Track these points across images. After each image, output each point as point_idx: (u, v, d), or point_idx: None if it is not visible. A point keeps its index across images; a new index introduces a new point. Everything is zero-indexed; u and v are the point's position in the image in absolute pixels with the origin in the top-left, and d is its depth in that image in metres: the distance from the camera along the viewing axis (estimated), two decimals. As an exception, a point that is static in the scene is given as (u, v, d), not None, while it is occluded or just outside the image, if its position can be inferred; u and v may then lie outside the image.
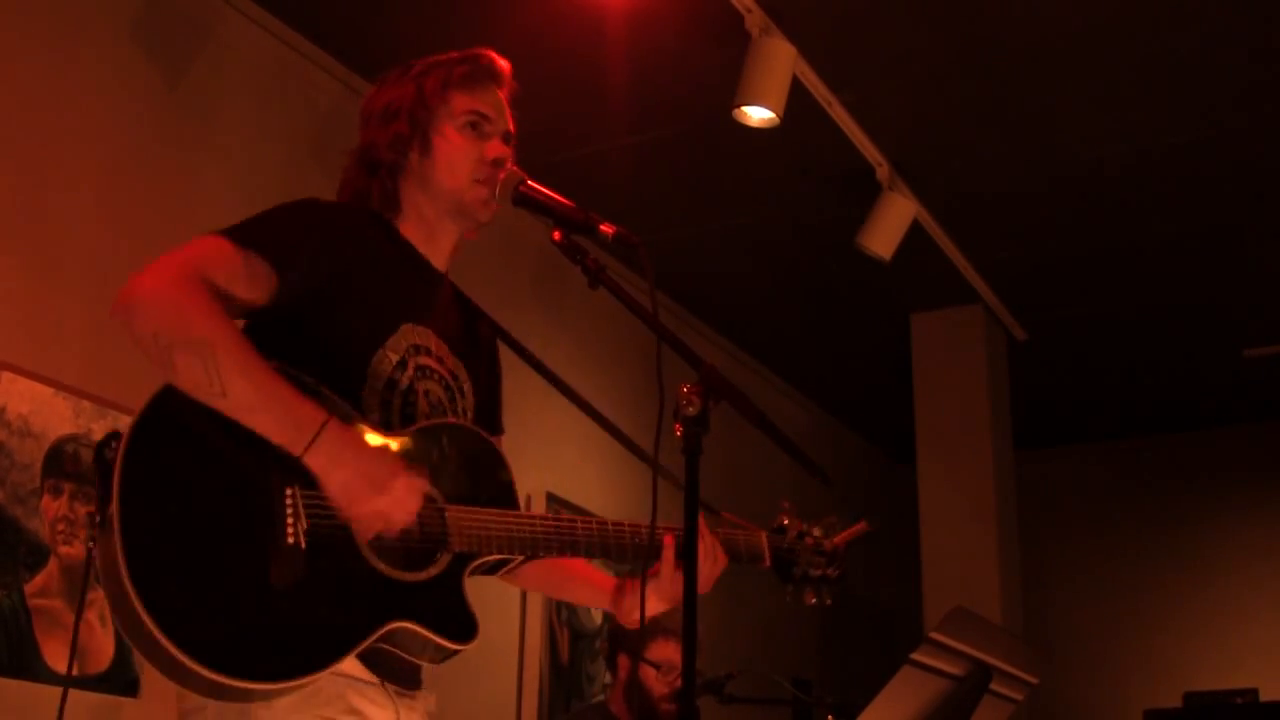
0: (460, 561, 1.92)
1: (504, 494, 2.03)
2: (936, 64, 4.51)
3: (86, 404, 3.45)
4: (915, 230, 5.29)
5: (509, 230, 4.97)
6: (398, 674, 1.93)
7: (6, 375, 3.28)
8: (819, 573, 2.31)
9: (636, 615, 2.14)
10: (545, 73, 4.49)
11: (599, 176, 5.12)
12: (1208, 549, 7.92)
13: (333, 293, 1.92)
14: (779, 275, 6.20)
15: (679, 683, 3.78)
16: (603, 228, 1.99)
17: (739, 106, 4.21)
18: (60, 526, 3.34)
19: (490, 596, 2.29)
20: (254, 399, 1.73)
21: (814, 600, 2.32)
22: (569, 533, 2.04)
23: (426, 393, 2.02)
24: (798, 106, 4.32)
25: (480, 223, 2.12)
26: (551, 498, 5.23)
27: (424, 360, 2.03)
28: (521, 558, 2.01)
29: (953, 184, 5.31)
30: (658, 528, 2.09)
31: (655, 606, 2.13)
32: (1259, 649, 7.58)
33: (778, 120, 4.23)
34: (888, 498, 8.33)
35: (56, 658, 3.27)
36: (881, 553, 8.29)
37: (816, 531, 2.35)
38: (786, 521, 2.33)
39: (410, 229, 2.10)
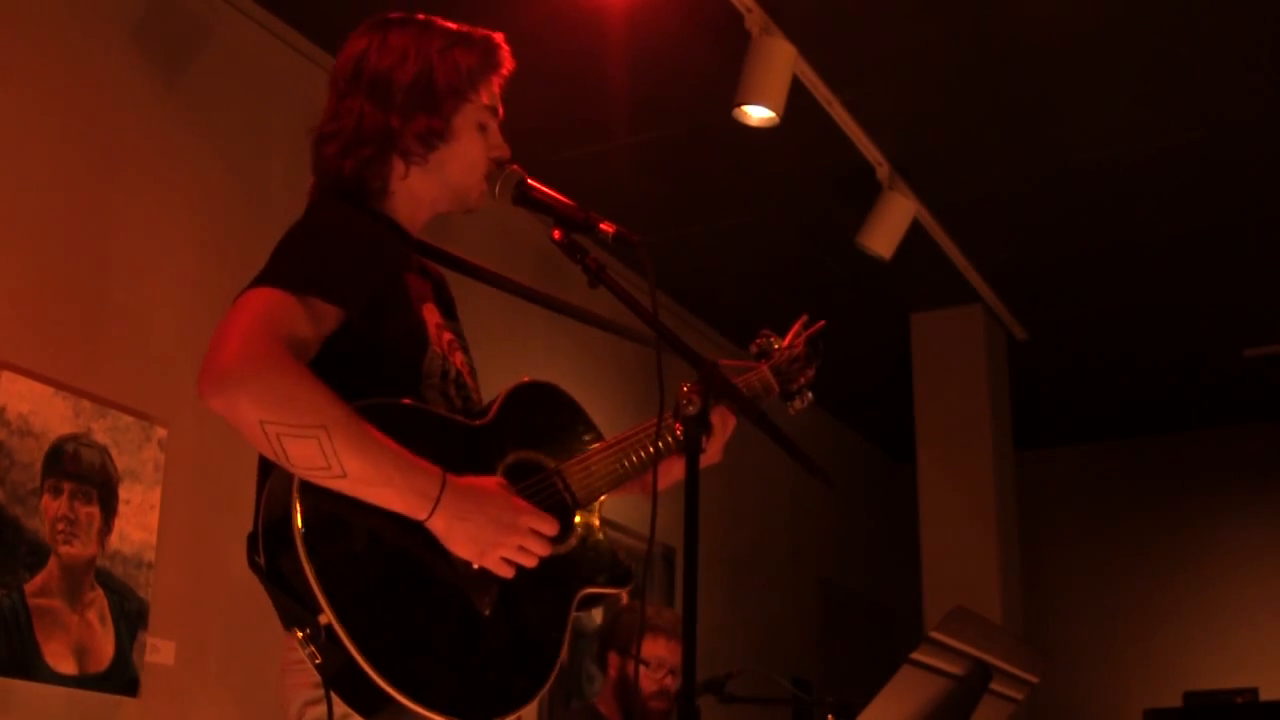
0: (590, 511, 2.00)
1: (589, 429, 2.08)
2: (936, 64, 4.51)
3: (86, 404, 3.45)
4: (915, 230, 5.29)
5: (509, 230, 4.97)
6: None
7: (6, 375, 3.28)
8: (803, 380, 2.34)
9: (660, 486, 2.14)
10: (545, 73, 4.49)
11: (599, 176, 5.12)
12: (1208, 549, 7.92)
13: (380, 309, 1.88)
14: (779, 275, 6.21)
15: (668, 680, 3.80)
16: (602, 226, 1.98)
17: (739, 106, 4.21)
18: (60, 526, 3.34)
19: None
20: (374, 474, 1.70)
21: (801, 405, 2.38)
22: (654, 439, 2.07)
23: (463, 364, 2.03)
24: (798, 106, 4.32)
25: (470, 210, 2.09)
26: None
27: (446, 335, 2.02)
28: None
29: (953, 184, 5.31)
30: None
31: (679, 473, 2.12)
32: (1259, 649, 7.58)
33: (778, 120, 4.23)
34: (888, 497, 8.33)
35: (56, 658, 3.27)
36: (881, 553, 8.30)
37: (786, 342, 2.35)
38: (770, 344, 2.33)
39: (394, 204, 2.01)
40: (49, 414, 3.36)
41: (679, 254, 5.79)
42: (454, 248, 2.20)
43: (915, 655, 2.19)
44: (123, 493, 3.50)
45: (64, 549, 3.34)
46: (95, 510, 3.43)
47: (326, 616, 1.65)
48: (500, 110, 2.09)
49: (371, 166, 1.97)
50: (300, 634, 1.67)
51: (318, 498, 1.70)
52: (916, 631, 5.48)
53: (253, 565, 1.76)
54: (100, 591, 3.41)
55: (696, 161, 5.13)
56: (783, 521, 7.33)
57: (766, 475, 6.85)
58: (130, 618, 3.47)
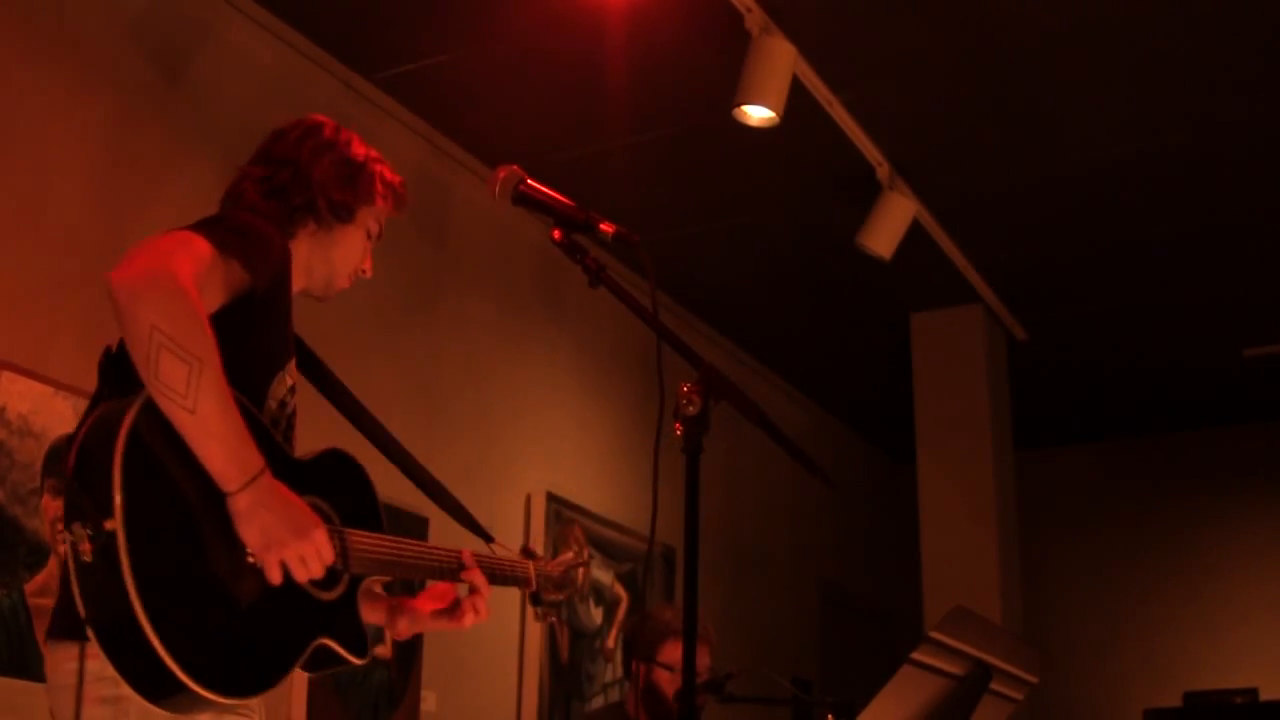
0: (355, 581, 2.06)
1: (376, 517, 2.16)
2: (936, 64, 4.51)
3: (86, 404, 3.45)
4: (915, 230, 5.29)
5: (509, 230, 4.96)
6: None
7: (6, 375, 3.28)
8: (552, 597, 2.46)
9: (405, 631, 2.31)
10: (545, 72, 4.49)
11: (599, 176, 5.12)
12: (1208, 549, 7.92)
13: (266, 311, 2.00)
14: (779, 275, 6.21)
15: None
16: (602, 226, 2.00)
17: (739, 106, 4.21)
18: (60, 526, 3.33)
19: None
20: (216, 425, 1.78)
21: (548, 619, 2.52)
22: (436, 558, 2.20)
23: (294, 411, 2.13)
24: (798, 106, 4.32)
25: (318, 300, 2.27)
26: (551, 497, 5.23)
27: (291, 379, 2.14)
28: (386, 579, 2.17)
29: (953, 184, 5.31)
30: (455, 551, 2.25)
31: (431, 625, 2.32)
32: (1259, 649, 7.58)
33: (778, 120, 4.23)
34: (888, 498, 8.33)
35: (56, 657, 3.27)
36: (882, 553, 8.30)
37: (551, 563, 2.49)
38: (535, 553, 2.48)
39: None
40: (49, 414, 3.36)
41: (679, 254, 5.79)
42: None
43: (915, 655, 2.19)
44: (123, 493, 3.50)
45: (64, 549, 3.33)
46: (95, 510, 3.43)
47: (114, 524, 1.72)
48: (378, 239, 2.29)
49: (294, 215, 2.16)
50: (80, 529, 1.76)
51: (155, 422, 1.78)
52: (916, 631, 5.48)
53: (59, 463, 1.81)
54: (100, 591, 3.40)
55: (696, 162, 5.13)
56: (783, 522, 7.33)
57: (766, 475, 6.85)
58: (130, 618, 3.47)
